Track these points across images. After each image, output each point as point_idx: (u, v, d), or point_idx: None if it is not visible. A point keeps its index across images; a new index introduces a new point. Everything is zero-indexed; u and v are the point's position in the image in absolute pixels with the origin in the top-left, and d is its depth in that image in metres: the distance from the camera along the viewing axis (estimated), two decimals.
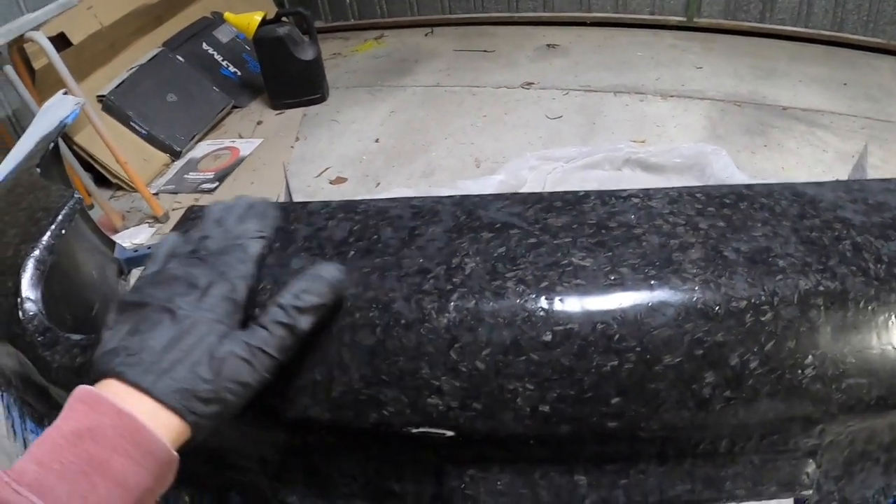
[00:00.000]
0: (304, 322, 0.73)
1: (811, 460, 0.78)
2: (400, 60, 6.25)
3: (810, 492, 0.78)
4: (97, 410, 0.66)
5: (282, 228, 0.91)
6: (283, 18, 5.37)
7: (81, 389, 0.68)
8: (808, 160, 3.92)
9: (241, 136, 5.22)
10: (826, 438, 0.77)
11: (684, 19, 5.98)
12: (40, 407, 1.01)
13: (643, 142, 4.22)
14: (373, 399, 0.75)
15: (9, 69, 3.68)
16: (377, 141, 4.84)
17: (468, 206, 0.89)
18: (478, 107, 5.13)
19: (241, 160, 4.83)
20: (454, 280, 0.77)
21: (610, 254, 0.78)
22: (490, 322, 0.73)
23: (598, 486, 0.77)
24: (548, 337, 0.72)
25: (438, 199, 0.92)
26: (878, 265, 0.76)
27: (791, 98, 4.72)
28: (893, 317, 0.74)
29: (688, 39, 5.86)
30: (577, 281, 0.75)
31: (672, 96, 4.90)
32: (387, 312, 0.77)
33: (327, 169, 4.52)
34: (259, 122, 5.42)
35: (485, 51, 6.15)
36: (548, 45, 6.09)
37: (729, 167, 3.55)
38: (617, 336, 0.71)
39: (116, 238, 1.30)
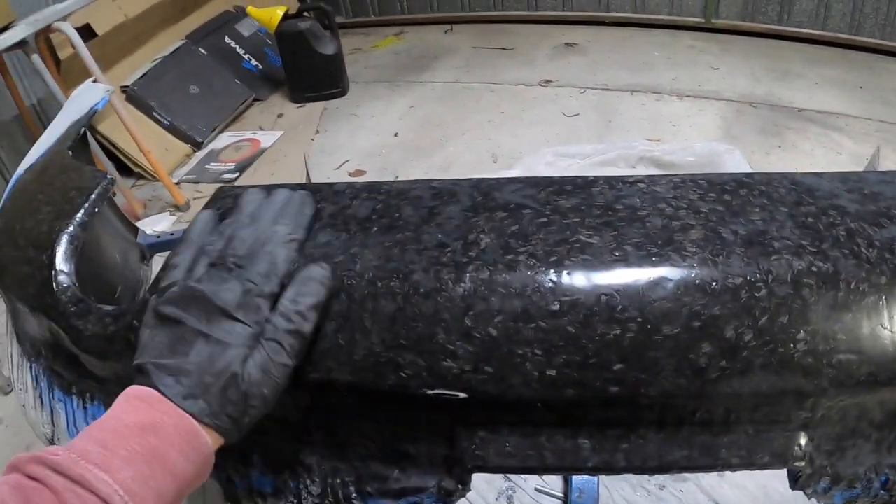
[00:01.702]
0: (307, 324, 0.79)
1: (804, 433, 0.80)
2: (419, 57, 6.28)
3: (803, 464, 0.80)
4: (158, 409, 0.73)
5: None
6: (305, 13, 5.43)
7: (140, 389, 0.76)
8: (821, 162, 3.93)
9: (261, 128, 5.26)
10: (818, 412, 0.79)
11: (702, 20, 5.98)
12: (68, 375, 1.05)
13: (658, 140, 4.23)
14: (392, 362, 0.79)
15: (36, 58, 3.72)
16: (396, 135, 4.87)
17: (484, 189, 0.94)
18: (495, 103, 5.15)
19: (262, 151, 4.88)
20: (470, 254, 0.82)
21: (615, 233, 0.82)
22: (502, 292, 0.78)
23: (600, 449, 0.81)
24: (555, 306, 0.76)
25: (456, 182, 0.96)
26: (870, 250, 0.79)
27: (806, 100, 4.72)
28: (883, 298, 0.76)
29: (705, 40, 5.87)
30: (584, 256, 0.79)
31: (688, 96, 4.92)
32: (407, 282, 0.81)
33: (346, 161, 4.55)
34: (280, 115, 5.46)
35: (503, 48, 6.17)
36: (566, 44, 6.10)
37: (742, 166, 3.57)
38: (620, 307, 0.75)
39: (138, 225, 1.34)
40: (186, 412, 0.74)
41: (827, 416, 0.81)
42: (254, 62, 5.92)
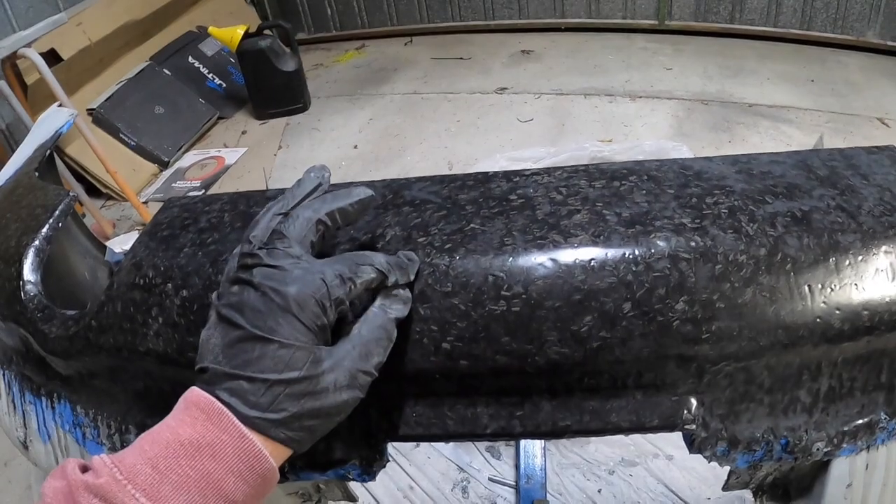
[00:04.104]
0: (395, 332, 0.79)
1: (693, 398, 0.85)
2: (379, 69, 6.37)
3: (694, 427, 0.85)
4: (218, 426, 0.67)
5: (242, 212, 1.02)
6: (266, 31, 5.48)
7: (200, 395, 0.70)
8: None
9: (226, 146, 5.33)
10: (704, 378, 0.84)
11: (656, 22, 6.08)
12: (38, 378, 1.10)
13: (609, 141, 4.33)
14: None
15: (2, 84, 3.79)
16: (356, 147, 4.96)
17: (395, 188, 1.01)
18: (452, 112, 5.25)
19: (227, 168, 4.96)
20: (376, 245, 0.89)
21: (506, 220, 0.89)
22: None
23: (497, 416, 0.87)
24: (448, 287, 0.83)
25: (372, 183, 1.02)
26: (751, 224, 0.84)
27: (758, 95, 4.84)
28: (763, 269, 0.82)
29: (659, 42, 5.98)
30: (476, 242, 0.86)
31: (640, 97, 5.02)
32: None
33: None
34: (243, 132, 5.54)
35: (461, 58, 6.27)
36: (522, 52, 6.21)
37: None
38: (506, 285, 0.82)
39: (108, 244, 1.38)
40: (250, 429, 0.69)
41: (714, 382, 0.85)
42: (218, 81, 5.98)
